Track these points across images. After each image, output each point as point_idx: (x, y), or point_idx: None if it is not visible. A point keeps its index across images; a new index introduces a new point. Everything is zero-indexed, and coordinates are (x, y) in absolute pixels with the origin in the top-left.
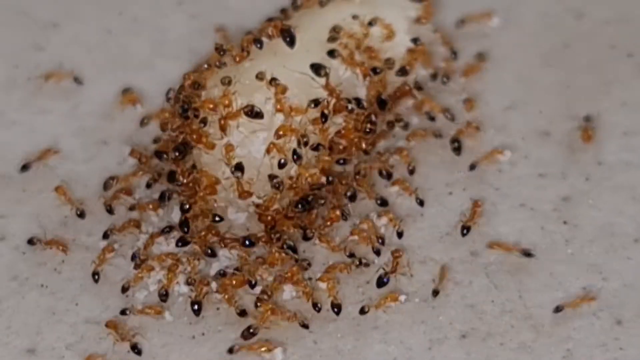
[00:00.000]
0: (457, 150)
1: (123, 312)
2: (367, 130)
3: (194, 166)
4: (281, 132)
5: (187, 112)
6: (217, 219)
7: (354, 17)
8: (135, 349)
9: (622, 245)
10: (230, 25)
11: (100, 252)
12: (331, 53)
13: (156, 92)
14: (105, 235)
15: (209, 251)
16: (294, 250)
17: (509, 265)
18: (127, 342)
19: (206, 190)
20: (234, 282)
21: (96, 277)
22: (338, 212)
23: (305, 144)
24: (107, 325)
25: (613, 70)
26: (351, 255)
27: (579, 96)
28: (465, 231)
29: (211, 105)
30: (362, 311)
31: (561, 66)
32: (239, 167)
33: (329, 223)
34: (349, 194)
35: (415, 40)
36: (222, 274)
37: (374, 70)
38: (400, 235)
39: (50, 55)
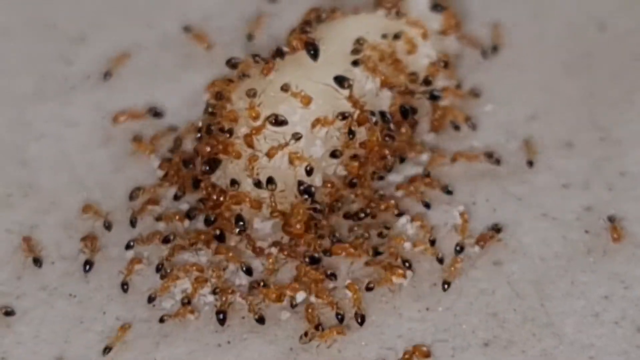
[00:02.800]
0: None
1: (161, 320)
2: (386, 138)
3: (232, 182)
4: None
5: (210, 128)
6: (241, 223)
7: (384, 36)
8: (37, 262)
9: None
10: (258, 37)
11: (128, 262)
12: (355, 63)
13: (183, 104)
14: (128, 246)
15: (245, 269)
16: (317, 261)
17: (531, 274)
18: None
19: (232, 200)
20: (272, 295)
21: (125, 287)
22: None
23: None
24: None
25: (636, 80)
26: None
27: (602, 106)
28: (445, 286)
29: (232, 117)
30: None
31: (584, 76)
32: (271, 180)
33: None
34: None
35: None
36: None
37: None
38: (432, 243)
39: (79, 68)
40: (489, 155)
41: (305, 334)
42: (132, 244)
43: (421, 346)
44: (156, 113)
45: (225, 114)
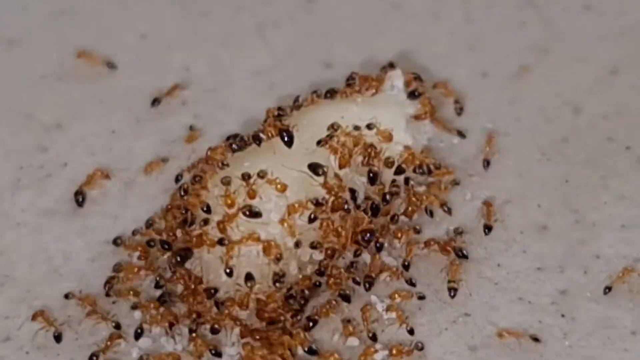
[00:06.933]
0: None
1: None
2: (365, 238)
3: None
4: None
5: (186, 223)
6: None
7: (356, 127)
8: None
9: (619, 338)
10: (233, 125)
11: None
12: (319, 142)
13: (160, 192)
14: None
15: (214, 351)
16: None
17: (508, 358)
18: (54, 328)
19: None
20: None
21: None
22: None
23: (297, 245)
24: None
25: (611, 164)
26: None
27: (577, 190)
28: (487, 230)
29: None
30: None
31: (560, 160)
32: (250, 277)
33: (327, 307)
34: (347, 293)
35: (413, 94)
36: None
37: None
38: (411, 332)
39: (55, 156)
40: (458, 251)
41: None
42: (94, 358)
43: None
44: (111, 65)
45: (194, 201)
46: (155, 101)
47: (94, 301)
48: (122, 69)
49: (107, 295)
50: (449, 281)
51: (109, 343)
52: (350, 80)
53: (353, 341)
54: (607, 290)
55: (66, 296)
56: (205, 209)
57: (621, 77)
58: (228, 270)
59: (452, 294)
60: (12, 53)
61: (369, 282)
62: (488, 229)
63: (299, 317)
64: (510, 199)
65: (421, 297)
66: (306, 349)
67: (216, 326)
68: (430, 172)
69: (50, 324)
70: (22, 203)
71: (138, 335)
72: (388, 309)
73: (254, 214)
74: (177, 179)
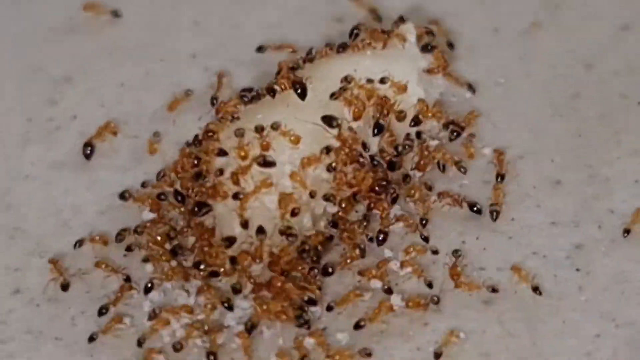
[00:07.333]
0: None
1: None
2: (378, 190)
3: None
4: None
5: (200, 176)
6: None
7: (369, 80)
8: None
9: (635, 292)
10: (245, 78)
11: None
12: (332, 95)
13: (170, 144)
14: (101, 312)
15: (227, 304)
16: (302, 310)
17: (523, 312)
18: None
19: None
20: None
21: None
22: (357, 252)
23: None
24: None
25: (623, 119)
26: None
27: (590, 145)
28: (499, 179)
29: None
30: (358, 325)
31: (572, 116)
32: (261, 230)
33: (348, 261)
34: (362, 246)
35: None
36: None
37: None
38: (430, 286)
39: (64, 109)
40: (472, 206)
41: None
42: (104, 311)
43: None
44: (116, 14)
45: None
46: (260, 49)
47: (106, 241)
48: (131, 22)
49: (128, 249)
50: (492, 204)
51: (119, 294)
52: (355, 31)
53: (376, 283)
54: (625, 234)
55: (76, 244)
56: (220, 153)
57: (633, 33)
58: (244, 222)
59: (494, 216)
60: (20, 6)
61: (383, 236)
62: (501, 177)
63: (313, 271)
64: (522, 155)
65: (435, 252)
66: (306, 299)
67: (237, 286)
68: (462, 129)
69: (61, 273)
70: (32, 156)
71: (148, 290)
72: (403, 264)
73: (268, 163)
74: (212, 102)
